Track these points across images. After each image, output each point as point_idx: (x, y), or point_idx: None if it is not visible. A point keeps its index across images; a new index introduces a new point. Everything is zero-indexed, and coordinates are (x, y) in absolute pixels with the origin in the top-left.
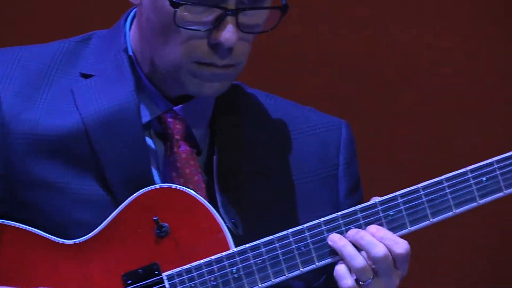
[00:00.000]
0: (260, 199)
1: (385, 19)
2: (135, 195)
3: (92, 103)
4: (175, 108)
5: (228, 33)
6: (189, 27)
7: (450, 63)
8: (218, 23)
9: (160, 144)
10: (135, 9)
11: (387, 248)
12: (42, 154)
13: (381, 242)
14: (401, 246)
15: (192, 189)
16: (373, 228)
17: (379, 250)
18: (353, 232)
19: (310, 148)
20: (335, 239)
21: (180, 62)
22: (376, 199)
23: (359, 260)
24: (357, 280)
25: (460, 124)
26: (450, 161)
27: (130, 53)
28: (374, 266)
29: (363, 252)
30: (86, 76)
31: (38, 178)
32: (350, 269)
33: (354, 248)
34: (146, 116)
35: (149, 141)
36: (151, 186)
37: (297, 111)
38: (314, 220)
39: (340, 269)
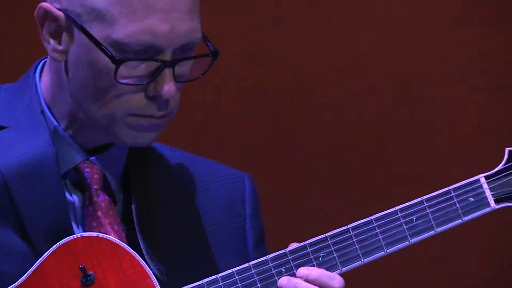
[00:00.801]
0: (178, 247)
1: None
2: (57, 244)
3: (9, 154)
4: (91, 158)
5: (168, 86)
6: (129, 82)
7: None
8: (155, 76)
9: (77, 195)
10: (43, 60)
11: (325, 285)
12: None
13: (318, 280)
14: (337, 281)
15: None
16: (304, 269)
17: None
18: (284, 280)
19: (217, 199)
20: (283, 283)
21: (115, 115)
22: (293, 245)
23: None
24: None
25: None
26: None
27: (43, 104)
28: None
29: None
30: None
31: None
32: None
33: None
34: (62, 167)
35: (66, 192)
36: (74, 235)
37: (201, 163)
38: (230, 267)
39: None
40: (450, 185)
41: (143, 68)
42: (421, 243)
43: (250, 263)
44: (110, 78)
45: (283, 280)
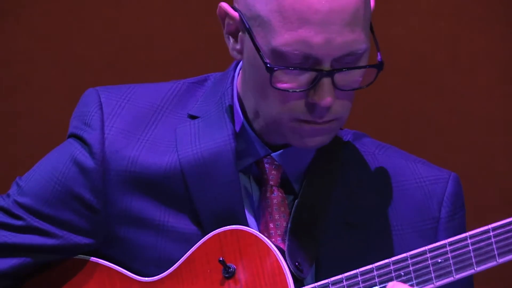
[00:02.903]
0: (338, 247)
1: None
2: (208, 235)
3: (190, 144)
4: (273, 154)
5: (324, 94)
6: (285, 89)
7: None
8: (314, 84)
9: (256, 189)
10: None
11: None
12: (138, 191)
13: None
14: None
15: (275, 233)
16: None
17: None
18: None
19: (411, 200)
20: None
21: (280, 119)
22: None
23: None
24: None
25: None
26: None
27: (235, 97)
28: None
29: None
30: (192, 117)
31: (133, 215)
32: None
33: None
34: (246, 161)
35: (247, 185)
36: (222, 228)
37: (405, 162)
38: None
39: None
40: None
41: (301, 76)
42: None
43: (373, 265)
44: (268, 83)
45: None
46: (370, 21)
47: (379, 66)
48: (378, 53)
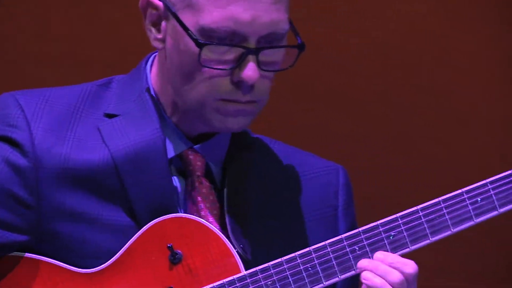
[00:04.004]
0: (265, 231)
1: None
2: (150, 224)
3: (120, 139)
4: (195, 146)
5: (250, 71)
6: (213, 66)
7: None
8: (240, 62)
9: (181, 180)
10: (154, 54)
11: (400, 270)
12: (72, 187)
13: (394, 265)
14: (410, 266)
15: (206, 220)
16: (380, 254)
17: (396, 276)
18: (365, 262)
19: (312, 189)
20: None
21: (204, 100)
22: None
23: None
24: None
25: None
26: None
27: (153, 94)
28: None
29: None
30: (110, 116)
31: (68, 210)
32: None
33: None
34: (169, 153)
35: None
36: (164, 216)
37: (299, 155)
38: None
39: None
40: None
41: (228, 54)
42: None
43: (326, 242)
44: (196, 62)
45: (364, 262)
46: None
47: (301, 46)
48: (298, 37)
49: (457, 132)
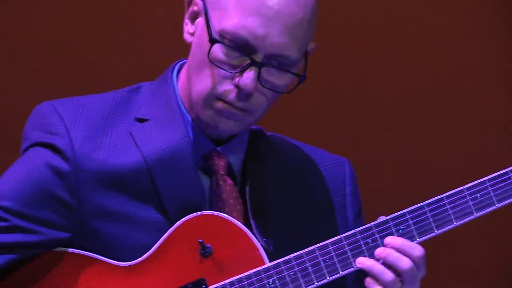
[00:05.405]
0: (285, 223)
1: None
2: (181, 221)
3: (151, 143)
4: (218, 148)
5: (248, 79)
6: (218, 65)
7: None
8: (243, 70)
9: (205, 179)
10: (179, 62)
11: (407, 253)
12: (109, 188)
13: (400, 249)
14: (418, 249)
15: (232, 216)
16: (390, 238)
17: (405, 263)
18: (380, 250)
19: (323, 181)
20: (362, 261)
21: (205, 94)
22: (383, 217)
23: (388, 275)
24: None
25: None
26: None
27: (179, 100)
28: (400, 277)
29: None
30: (140, 120)
31: (106, 209)
32: (381, 284)
33: (381, 265)
34: (195, 155)
35: None
36: (194, 213)
37: (309, 150)
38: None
39: (370, 280)
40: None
41: (235, 60)
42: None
43: (341, 235)
44: (206, 57)
45: (379, 250)
46: (306, 49)
47: (302, 77)
48: (304, 71)
49: (460, 131)
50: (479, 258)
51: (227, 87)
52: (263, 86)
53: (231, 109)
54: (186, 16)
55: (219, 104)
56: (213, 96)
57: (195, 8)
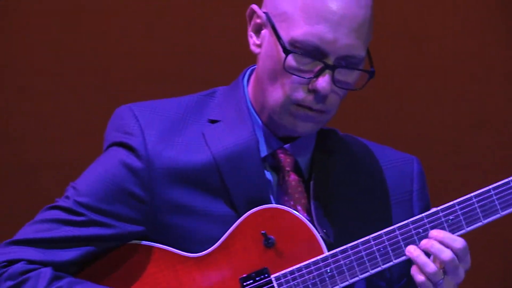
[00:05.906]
0: (347, 216)
1: None
2: (246, 214)
3: (220, 142)
4: (285, 146)
5: (324, 83)
6: (294, 73)
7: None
8: (317, 74)
9: (273, 175)
10: (250, 68)
11: (449, 245)
12: (180, 184)
13: (443, 241)
14: (459, 242)
15: (295, 209)
16: (434, 231)
17: (447, 254)
18: (424, 241)
19: (389, 178)
20: (410, 250)
21: (282, 102)
22: (434, 209)
23: (431, 266)
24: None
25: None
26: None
27: (249, 103)
28: (443, 268)
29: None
30: (213, 121)
31: (178, 204)
32: (424, 274)
33: (426, 256)
34: (262, 152)
35: (265, 172)
36: (258, 207)
37: (379, 149)
38: None
39: (415, 269)
40: None
41: (308, 66)
42: None
43: (395, 225)
44: (281, 67)
45: (424, 241)
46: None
47: (371, 73)
48: (371, 66)
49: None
50: (479, 258)
51: (303, 92)
52: (336, 86)
53: (309, 112)
54: (250, 28)
55: (297, 110)
56: (291, 102)
57: (258, 20)
